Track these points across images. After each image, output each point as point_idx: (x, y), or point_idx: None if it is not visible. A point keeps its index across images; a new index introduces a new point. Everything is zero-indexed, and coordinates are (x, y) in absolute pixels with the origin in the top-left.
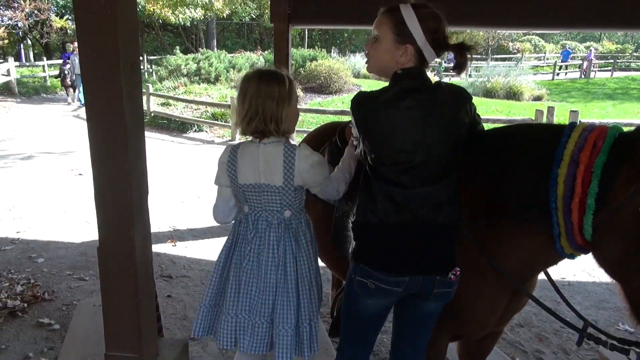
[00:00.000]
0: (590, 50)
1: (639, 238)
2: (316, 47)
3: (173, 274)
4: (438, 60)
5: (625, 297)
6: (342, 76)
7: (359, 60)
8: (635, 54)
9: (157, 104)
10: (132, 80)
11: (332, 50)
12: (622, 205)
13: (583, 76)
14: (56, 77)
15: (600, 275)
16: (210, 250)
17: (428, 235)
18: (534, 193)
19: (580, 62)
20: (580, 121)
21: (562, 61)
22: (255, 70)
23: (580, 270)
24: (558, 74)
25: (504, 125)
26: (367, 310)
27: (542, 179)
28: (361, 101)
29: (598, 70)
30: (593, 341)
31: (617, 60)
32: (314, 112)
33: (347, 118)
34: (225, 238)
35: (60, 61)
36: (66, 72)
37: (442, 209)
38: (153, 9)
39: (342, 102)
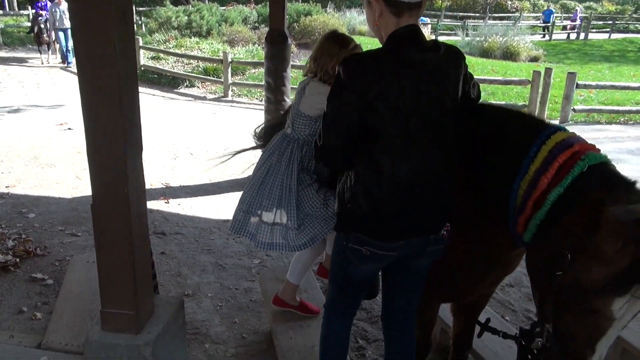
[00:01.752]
0: (576, 10)
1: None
2: (311, 2)
3: (166, 231)
4: (430, 20)
5: (535, 298)
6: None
7: (354, 16)
8: (634, 15)
9: (147, 58)
10: (125, 30)
11: (328, 5)
12: (556, 242)
13: (568, 38)
14: (28, 32)
15: None
16: (204, 207)
17: (424, 205)
18: (499, 194)
19: (571, 22)
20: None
21: (544, 22)
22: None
23: None
24: (543, 36)
25: (491, 104)
26: (359, 275)
27: (506, 186)
28: (353, 63)
29: (590, 32)
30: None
31: (616, 22)
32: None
33: None
34: (219, 196)
35: (32, 11)
36: (42, 25)
37: (439, 180)
38: None
39: None
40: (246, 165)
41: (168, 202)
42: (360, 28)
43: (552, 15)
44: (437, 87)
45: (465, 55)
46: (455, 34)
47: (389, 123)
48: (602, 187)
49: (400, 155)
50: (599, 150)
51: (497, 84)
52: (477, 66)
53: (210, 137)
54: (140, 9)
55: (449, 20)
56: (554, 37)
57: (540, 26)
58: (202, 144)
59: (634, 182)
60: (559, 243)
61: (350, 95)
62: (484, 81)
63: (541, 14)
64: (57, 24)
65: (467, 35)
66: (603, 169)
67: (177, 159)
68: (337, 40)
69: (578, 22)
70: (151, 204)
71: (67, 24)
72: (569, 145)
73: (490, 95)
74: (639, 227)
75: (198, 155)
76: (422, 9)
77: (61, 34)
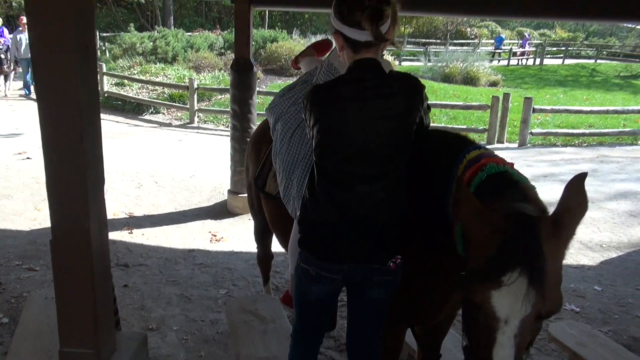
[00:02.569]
0: (525, 37)
1: None
2: (277, 28)
3: (130, 263)
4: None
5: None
6: None
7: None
8: (585, 42)
9: (111, 84)
10: (87, 61)
11: (294, 32)
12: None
13: (518, 63)
14: None
15: None
16: (169, 237)
17: (367, 232)
18: (438, 216)
19: (521, 49)
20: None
21: (495, 48)
22: None
23: None
24: (491, 60)
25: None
26: (313, 296)
27: (441, 208)
28: (311, 92)
29: (545, 58)
30: None
31: (569, 48)
32: (275, 95)
33: None
34: (185, 224)
35: None
36: (1, 55)
37: (383, 208)
38: None
39: None
40: (212, 192)
41: (132, 233)
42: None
43: (502, 42)
44: (387, 118)
45: (428, 80)
46: (418, 60)
47: (334, 151)
48: (492, 191)
49: (340, 183)
50: (506, 161)
51: (459, 108)
52: (439, 91)
53: (175, 165)
54: (104, 34)
55: (411, 46)
56: (511, 62)
57: (497, 52)
58: (168, 172)
59: (524, 188)
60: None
61: (308, 122)
62: (445, 106)
63: (493, 41)
64: (22, 52)
65: (429, 60)
66: (499, 177)
67: (141, 187)
68: None
69: (527, 48)
70: (114, 235)
71: None
72: (477, 161)
73: (453, 120)
74: (507, 220)
75: (163, 184)
76: (384, 45)
77: (24, 63)
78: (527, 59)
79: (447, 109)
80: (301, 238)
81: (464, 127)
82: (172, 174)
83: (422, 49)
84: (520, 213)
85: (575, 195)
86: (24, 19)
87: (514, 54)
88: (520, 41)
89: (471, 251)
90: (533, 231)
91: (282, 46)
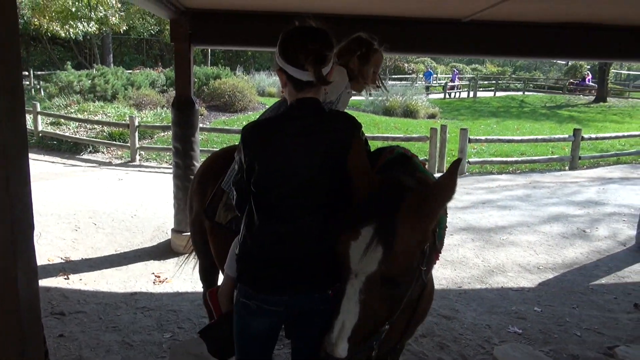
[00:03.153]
0: (454, 71)
1: None
2: (220, 65)
3: (66, 311)
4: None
5: None
6: (247, 94)
7: (263, 78)
8: (513, 75)
9: (46, 124)
10: (13, 103)
11: (237, 69)
12: None
13: (447, 97)
14: None
15: (492, 283)
16: (109, 280)
17: (308, 263)
18: None
19: (451, 83)
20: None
21: (425, 81)
22: None
23: (475, 278)
24: (428, 94)
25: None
26: (254, 330)
27: None
28: (249, 128)
29: (479, 91)
30: None
31: (499, 81)
32: (218, 131)
33: None
34: (126, 267)
35: None
36: None
37: (323, 238)
38: (39, 22)
39: (247, 120)
40: (155, 232)
41: (68, 278)
42: (269, 90)
43: (431, 76)
44: (328, 153)
45: (370, 113)
46: (360, 94)
47: (277, 185)
48: (390, 166)
49: (282, 216)
50: (415, 155)
51: (400, 140)
52: (381, 124)
53: (116, 205)
54: (39, 72)
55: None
56: (439, 95)
57: (435, 86)
58: (107, 213)
59: (415, 169)
60: None
61: (242, 157)
62: (387, 138)
63: (422, 75)
64: None
65: (370, 95)
66: (401, 159)
67: (79, 230)
68: (362, 43)
69: (457, 82)
70: (48, 282)
71: None
72: (389, 150)
73: None
74: (380, 182)
75: (102, 225)
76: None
77: None
78: (459, 92)
79: (388, 140)
80: (241, 273)
81: None
82: (112, 214)
83: None
84: (393, 179)
85: (448, 177)
86: None
87: (446, 88)
88: (451, 76)
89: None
90: (396, 195)
91: (226, 83)
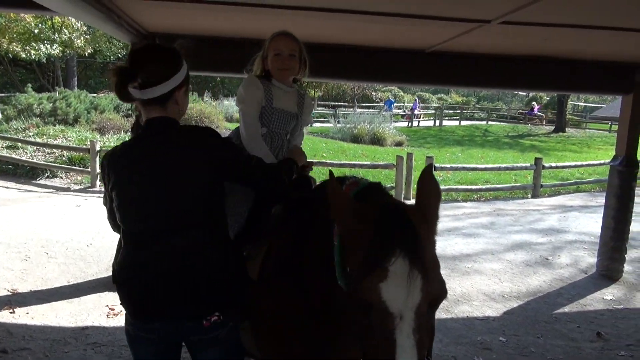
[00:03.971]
0: (415, 100)
1: None
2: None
3: (9, 348)
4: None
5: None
6: (215, 120)
7: (232, 104)
8: (477, 105)
9: (2, 147)
10: None
11: (205, 94)
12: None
13: (410, 125)
14: None
15: (458, 312)
16: (59, 314)
17: (172, 289)
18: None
19: (409, 112)
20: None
21: (386, 110)
22: None
23: (441, 308)
24: (396, 121)
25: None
26: (142, 356)
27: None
28: (105, 155)
29: (444, 120)
30: None
31: (463, 111)
32: None
33: None
34: (78, 299)
35: None
36: None
37: (189, 263)
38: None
39: None
40: (112, 262)
41: (14, 312)
42: (237, 116)
43: (392, 105)
44: (181, 172)
45: (338, 140)
46: (328, 121)
47: (132, 211)
48: (364, 196)
49: (140, 241)
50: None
51: (367, 168)
52: (349, 151)
53: (71, 233)
54: None
55: (321, 108)
56: (412, 124)
57: (401, 114)
58: (61, 241)
59: (389, 195)
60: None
61: (107, 185)
62: (354, 165)
63: (383, 104)
64: None
65: (338, 122)
66: (371, 188)
67: (29, 260)
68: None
69: (417, 111)
70: None
71: None
72: (353, 183)
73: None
74: (377, 209)
75: (55, 254)
76: (169, 101)
77: None
78: (419, 121)
79: (356, 168)
80: (119, 297)
81: None
82: (67, 243)
83: (331, 111)
84: (388, 203)
85: (428, 184)
86: None
87: (405, 116)
88: (411, 105)
89: (349, 254)
90: (404, 216)
91: (193, 108)
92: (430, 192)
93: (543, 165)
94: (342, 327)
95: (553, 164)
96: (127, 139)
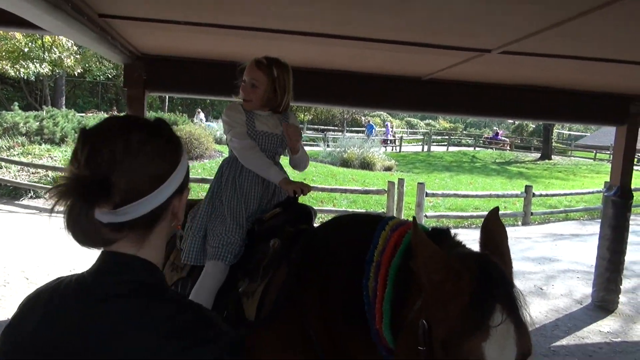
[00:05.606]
0: (386, 125)
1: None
2: (177, 112)
3: None
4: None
5: None
6: (204, 142)
7: (222, 126)
8: (464, 131)
9: None
10: None
11: (195, 116)
12: (410, 317)
13: (384, 149)
14: None
15: None
16: None
17: None
18: (353, 297)
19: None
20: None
21: (367, 134)
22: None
23: None
24: (385, 147)
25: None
26: None
27: (357, 283)
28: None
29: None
30: None
31: (451, 137)
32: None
33: (207, 184)
34: None
35: None
36: None
37: None
38: None
39: (202, 168)
40: None
41: None
42: (225, 138)
43: (372, 129)
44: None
45: (328, 164)
46: (317, 145)
47: None
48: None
49: None
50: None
51: (358, 193)
52: (339, 175)
53: (53, 257)
54: None
55: (311, 132)
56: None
57: (390, 139)
58: (42, 266)
59: (454, 237)
60: (416, 316)
61: None
62: (346, 190)
63: (365, 129)
64: None
65: (328, 146)
66: (430, 233)
67: (7, 285)
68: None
69: (390, 136)
70: None
71: None
72: (401, 225)
73: (352, 203)
74: (466, 261)
75: (35, 280)
76: (158, 224)
77: None
78: (392, 146)
79: (347, 193)
80: None
81: (364, 210)
82: (48, 268)
83: (321, 135)
84: (478, 255)
85: (497, 227)
86: None
87: (384, 141)
88: (384, 130)
89: (432, 309)
90: (501, 270)
91: (182, 129)
92: (501, 236)
93: (533, 193)
94: None
95: (543, 192)
96: None
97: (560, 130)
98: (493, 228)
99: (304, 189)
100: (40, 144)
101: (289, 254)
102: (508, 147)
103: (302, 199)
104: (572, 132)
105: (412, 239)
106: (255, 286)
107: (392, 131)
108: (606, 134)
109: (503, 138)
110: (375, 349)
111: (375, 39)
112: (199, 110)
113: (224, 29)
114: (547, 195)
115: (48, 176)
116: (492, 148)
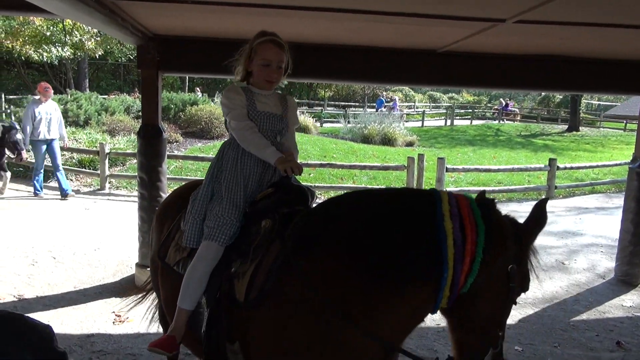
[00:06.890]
0: (394, 100)
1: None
2: (196, 92)
3: None
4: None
5: (457, 341)
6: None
7: None
8: (489, 104)
9: None
10: None
11: (215, 95)
12: (500, 266)
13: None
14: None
15: None
16: (64, 321)
17: None
18: (420, 248)
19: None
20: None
21: (376, 109)
22: None
23: None
24: (406, 121)
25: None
26: None
27: (429, 234)
28: None
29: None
30: None
31: (475, 110)
32: (193, 159)
33: None
34: (84, 305)
35: None
36: (18, 136)
37: None
38: (12, 45)
39: None
40: (119, 267)
41: None
42: None
43: (382, 104)
44: None
45: (348, 140)
46: (338, 122)
47: None
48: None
49: None
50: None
51: (377, 169)
52: (359, 151)
53: (79, 237)
54: (11, 97)
55: (332, 109)
56: (417, 124)
57: (412, 114)
58: (69, 246)
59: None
60: (503, 265)
61: None
62: (365, 167)
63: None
64: (38, 132)
65: (348, 122)
66: (486, 205)
67: (36, 264)
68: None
69: (397, 111)
70: None
71: (53, 132)
72: (456, 200)
73: (372, 180)
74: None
75: (62, 259)
76: None
77: (38, 146)
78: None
79: (366, 169)
80: None
81: (384, 185)
82: (74, 247)
83: (341, 112)
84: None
85: (540, 213)
86: (45, 86)
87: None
88: (392, 104)
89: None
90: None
91: (202, 109)
92: (538, 219)
93: (557, 166)
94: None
95: (567, 165)
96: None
97: (589, 100)
98: (538, 215)
99: (294, 168)
100: (65, 127)
101: (282, 233)
102: (518, 118)
103: (301, 179)
104: (601, 102)
105: (496, 225)
106: (246, 267)
107: (398, 106)
108: (637, 103)
109: (513, 109)
110: (396, 303)
111: (384, 11)
112: (197, 88)
113: (232, 7)
114: (572, 168)
115: (73, 158)
116: (502, 120)
